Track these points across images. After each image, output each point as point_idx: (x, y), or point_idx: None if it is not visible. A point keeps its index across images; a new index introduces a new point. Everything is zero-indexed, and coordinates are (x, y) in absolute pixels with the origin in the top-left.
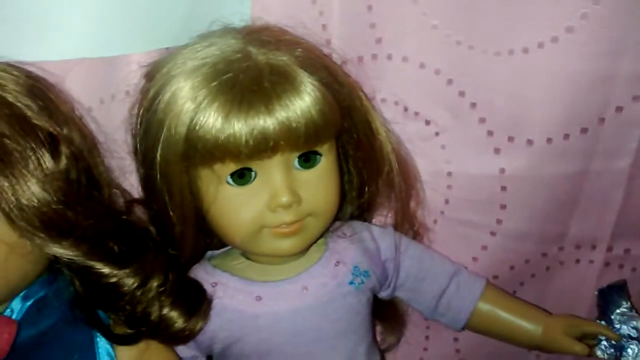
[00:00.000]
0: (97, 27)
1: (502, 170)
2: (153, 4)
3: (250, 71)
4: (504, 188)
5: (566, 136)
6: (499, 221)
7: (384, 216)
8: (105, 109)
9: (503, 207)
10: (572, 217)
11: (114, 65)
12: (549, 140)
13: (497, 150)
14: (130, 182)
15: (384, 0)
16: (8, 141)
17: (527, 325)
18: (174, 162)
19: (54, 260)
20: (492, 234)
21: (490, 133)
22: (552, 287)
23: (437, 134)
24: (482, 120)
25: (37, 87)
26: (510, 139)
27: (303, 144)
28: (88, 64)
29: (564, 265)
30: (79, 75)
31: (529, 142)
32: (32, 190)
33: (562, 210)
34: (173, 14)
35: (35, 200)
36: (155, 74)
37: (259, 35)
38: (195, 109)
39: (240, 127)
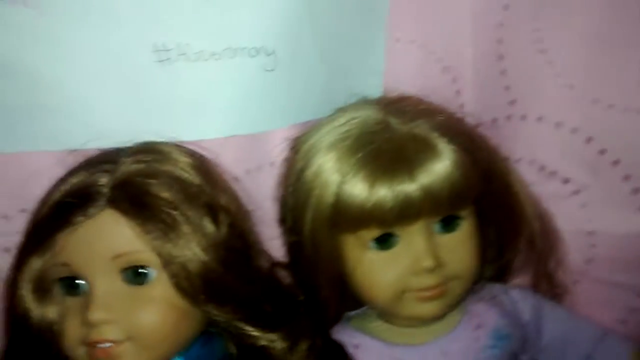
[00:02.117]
0: (246, 107)
1: None
2: (294, 82)
3: (392, 141)
4: None
5: None
6: None
7: (521, 278)
8: (252, 179)
9: None
10: None
11: (260, 140)
12: None
13: None
14: (273, 247)
15: (518, 63)
16: (178, 213)
17: None
18: (322, 229)
19: (210, 325)
20: None
21: (635, 191)
22: None
23: (576, 192)
24: (627, 178)
25: (199, 163)
26: None
27: (445, 209)
28: (237, 140)
29: None
30: (229, 151)
31: None
32: (198, 257)
33: None
34: (312, 89)
35: (201, 267)
36: (300, 147)
37: (396, 105)
38: (342, 179)
39: (386, 194)
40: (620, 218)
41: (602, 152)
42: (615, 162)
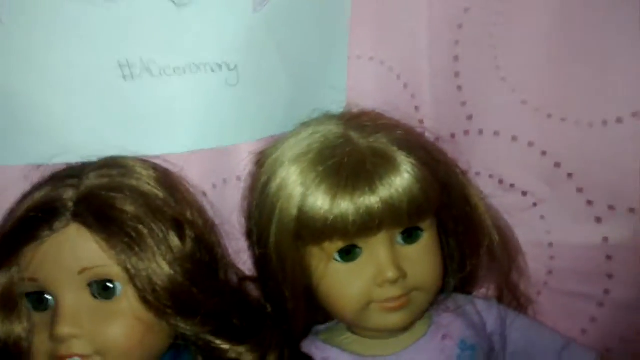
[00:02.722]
0: (210, 122)
1: (606, 239)
2: (258, 97)
3: (353, 155)
4: (609, 257)
5: None
6: (606, 291)
7: (486, 289)
8: (218, 193)
9: (610, 276)
10: None
11: (225, 154)
12: None
13: (598, 220)
14: (243, 261)
15: (474, 79)
16: (143, 227)
17: None
18: (286, 241)
19: (178, 338)
20: (600, 304)
21: (589, 203)
22: None
23: (534, 204)
24: (580, 190)
25: (164, 177)
26: (611, 207)
27: (406, 220)
28: (202, 154)
29: None
30: (194, 165)
31: (631, 210)
32: (164, 271)
33: None
34: (276, 105)
35: (167, 281)
36: (265, 161)
37: (358, 120)
38: (305, 192)
39: (347, 207)
40: (577, 229)
41: (557, 165)
42: (570, 175)
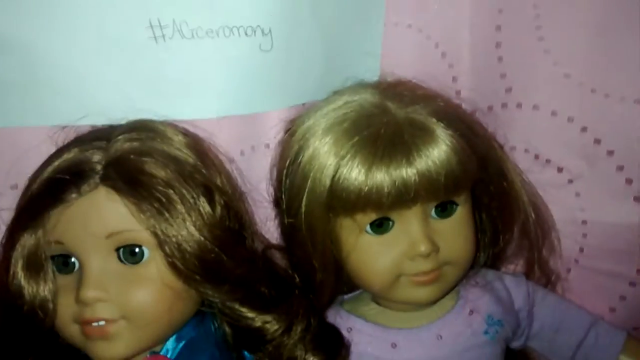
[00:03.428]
0: (241, 87)
1: None
2: (291, 63)
3: (390, 125)
4: None
5: None
6: (638, 271)
7: (515, 264)
8: (246, 160)
9: None
10: None
11: (255, 121)
12: None
13: (637, 199)
14: (268, 229)
15: (515, 51)
16: (173, 192)
17: None
18: (318, 211)
19: (204, 305)
20: (632, 284)
21: (628, 181)
22: None
23: (570, 181)
24: (620, 168)
25: (194, 142)
26: None
27: (442, 194)
28: (231, 120)
29: None
30: (224, 131)
31: None
32: (194, 237)
33: None
34: (308, 71)
35: (196, 247)
36: (296, 130)
37: (394, 90)
38: (339, 162)
39: (383, 178)
40: (613, 208)
41: (597, 141)
42: (610, 152)
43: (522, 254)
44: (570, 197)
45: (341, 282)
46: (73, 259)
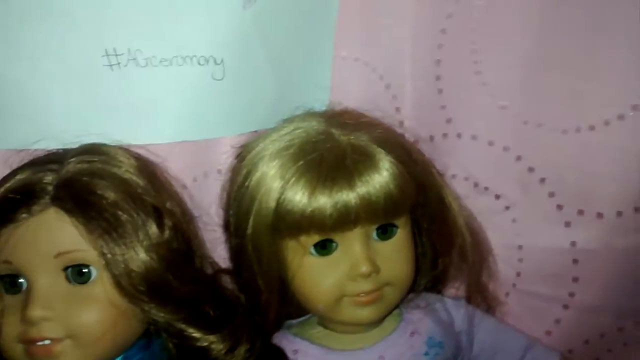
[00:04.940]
0: (194, 114)
1: (574, 244)
2: (242, 92)
3: (333, 151)
4: (575, 261)
5: (637, 210)
6: (571, 294)
7: (455, 289)
8: (199, 185)
9: (575, 280)
10: None
11: (207, 147)
12: (619, 213)
13: (567, 224)
14: (218, 253)
15: (454, 83)
16: (122, 213)
17: None
18: (263, 233)
19: (150, 324)
20: (565, 307)
21: (560, 207)
22: None
23: (507, 207)
24: (552, 195)
25: (145, 166)
26: (580, 212)
27: (381, 217)
28: (184, 146)
29: None
30: (176, 156)
31: (599, 215)
32: (141, 257)
33: (637, 284)
34: (260, 100)
35: (143, 267)
36: (246, 155)
37: (340, 118)
38: (284, 186)
39: (325, 201)
40: (546, 233)
41: (531, 169)
42: (542, 180)
43: (462, 277)
44: (507, 223)
45: (287, 304)
46: (21, 279)
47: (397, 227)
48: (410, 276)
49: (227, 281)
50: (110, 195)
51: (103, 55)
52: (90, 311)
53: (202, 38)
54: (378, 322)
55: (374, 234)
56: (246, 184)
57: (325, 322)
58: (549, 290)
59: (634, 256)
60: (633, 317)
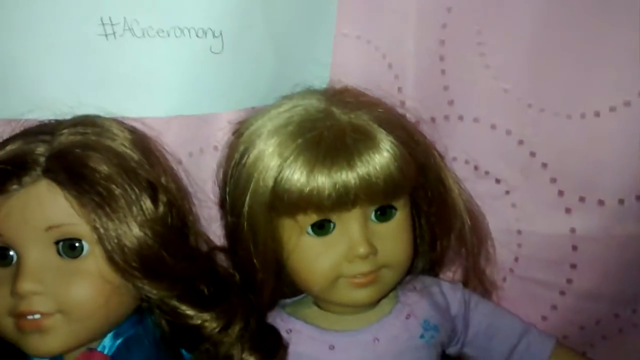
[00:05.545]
0: (191, 88)
1: (573, 230)
2: (241, 67)
3: (333, 129)
4: (574, 248)
5: (638, 198)
6: (569, 281)
7: (452, 272)
8: (194, 161)
9: (573, 266)
10: None
11: (204, 122)
12: (621, 201)
13: (568, 210)
14: (213, 231)
15: (457, 64)
16: (115, 187)
17: None
18: (260, 211)
19: (143, 301)
20: (562, 293)
21: (561, 193)
22: (624, 350)
23: (507, 192)
24: (553, 180)
25: (140, 140)
26: (582, 199)
27: (381, 198)
28: (180, 121)
29: (638, 329)
30: (172, 130)
31: (600, 202)
32: (134, 232)
33: (635, 272)
34: (259, 76)
35: (136, 242)
36: (243, 132)
37: (340, 96)
38: (282, 164)
39: (324, 180)
40: (546, 219)
41: (533, 154)
42: (544, 165)
43: (460, 261)
44: (506, 207)
45: (282, 283)
46: (11, 252)
47: (396, 209)
48: (408, 259)
49: (221, 259)
50: (104, 168)
51: (98, 24)
52: (81, 286)
53: (200, 9)
54: (374, 303)
55: (373, 216)
56: (243, 161)
57: (320, 302)
58: (546, 276)
59: (634, 244)
60: (629, 305)
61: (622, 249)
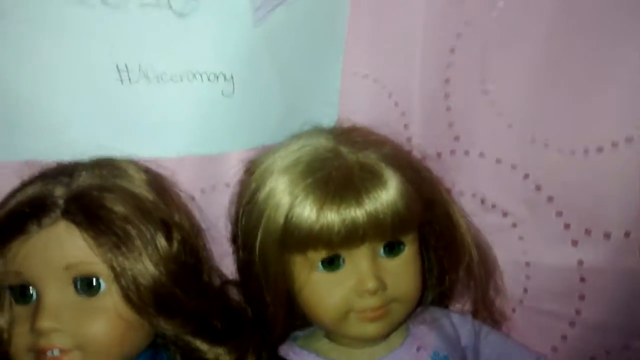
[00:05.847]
0: (203, 129)
1: (580, 262)
2: (251, 108)
3: (341, 169)
4: (582, 279)
5: None
6: (578, 312)
7: (462, 304)
8: (207, 198)
9: (582, 297)
10: None
11: (216, 161)
12: (627, 234)
13: (574, 243)
14: (226, 265)
15: (462, 101)
16: (131, 227)
17: None
18: (272, 248)
19: (158, 337)
20: (572, 324)
21: (567, 226)
22: None
23: (514, 225)
24: (559, 214)
25: (155, 180)
26: (588, 232)
27: (389, 234)
28: (193, 160)
29: None
30: (185, 169)
31: (607, 235)
32: (149, 271)
33: None
34: (269, 116)
35: (151, 280)
36: (255, 170)
37: (347, 135)
38: (292, 202)
39: (333, 217)
40: (554, 251)
41: (538, 188)
42: (550, 198)
43: (468, 293)
44: (513, 240)
45: (293, 317)
46: (31, 290)
47: (404, 244)
48: (417, 293)
49: (234, 293)
50: (120, 209)
51: (114, 71)
52: (98, 323)
53: (212, 55)
54: (384, 337)
55: (381, 251)
56: (255, 198)
57: (331, 335)
58: (555, 307)
59: None
60: (638, 336)
61: (630, 280)
